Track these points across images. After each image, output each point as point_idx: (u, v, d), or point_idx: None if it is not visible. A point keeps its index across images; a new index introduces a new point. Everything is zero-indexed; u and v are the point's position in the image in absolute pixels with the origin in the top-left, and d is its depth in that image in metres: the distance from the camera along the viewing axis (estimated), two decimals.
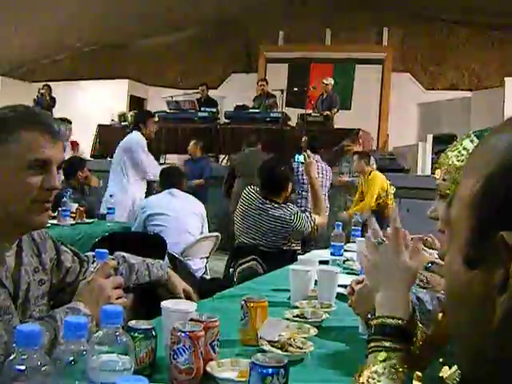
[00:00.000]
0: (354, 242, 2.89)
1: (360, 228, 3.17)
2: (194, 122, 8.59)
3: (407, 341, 0.87)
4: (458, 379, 0.66)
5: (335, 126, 8.42)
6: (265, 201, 3.05)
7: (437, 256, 1.73)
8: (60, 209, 3.81)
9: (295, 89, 9.37)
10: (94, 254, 1.51)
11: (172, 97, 9.14)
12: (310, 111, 8.61)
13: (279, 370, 0.94)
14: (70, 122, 6.20)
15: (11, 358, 0.78)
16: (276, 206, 3.03)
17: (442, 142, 7.01)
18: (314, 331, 1.45)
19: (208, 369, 1.13)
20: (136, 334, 1.11)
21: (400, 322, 0.87)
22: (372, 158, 6.07)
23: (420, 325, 1.03)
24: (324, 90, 8.74)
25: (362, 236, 2.81)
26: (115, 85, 11.46)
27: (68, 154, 6.02)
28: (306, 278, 1.84)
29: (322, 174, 5.05)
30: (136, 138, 4.90)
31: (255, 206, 3.05)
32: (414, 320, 1.05)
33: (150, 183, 5.10)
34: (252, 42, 11.54)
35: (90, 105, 11.13)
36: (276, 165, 3.16)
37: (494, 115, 8.35)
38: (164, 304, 1.26)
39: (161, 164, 6.00)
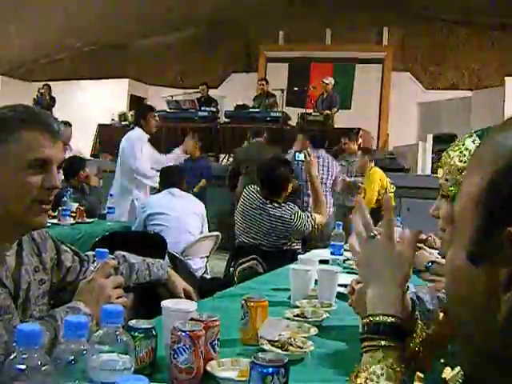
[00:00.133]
0: None
1: None
2: (194, 122, 8.58)
3: (402, 339, 0.84)
4: (460, 380, 0.65)
5: (335, 126, 8.41)
6: (265, 201, 3.05)
7: (437, 255, 1.73)
8: (60, 208, 3.82)
9: (295, 88, 9.35)
10: (94, 253, 1.51)
11: (172, 96, 9.14)
12: (310, 111, 8.61)
13: (279, 370, 0.94)
14: (71, 125, 6.21)
15: (11, 357, 0.78)
16: (276, 205, 3.03)
17: (442, 141, 7.03)
18: (314, 331, 1.45)
19: (208, 368, 1.13)
20: (136, 334, 1.11)
21: (394, 319, 0.84)
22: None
23: (420, 322, 1.02)
24: (324, 89, 8.74)
25: None
26: (115, 84, 11.46)
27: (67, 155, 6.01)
28: (306, 277, 1.84)
29: (327, 168, 5.01)
30: (136, 136, 4.84)
31: (256, 205, 3.06)
32: (413, 317, 1.04)
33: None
34: (252, 41, 11.54)
35: (90, 104, 11.13)
36: (276, 166, 3.16)
37: (494, 114, 8.36)
38: (164, 303, 1.26)
39: None
